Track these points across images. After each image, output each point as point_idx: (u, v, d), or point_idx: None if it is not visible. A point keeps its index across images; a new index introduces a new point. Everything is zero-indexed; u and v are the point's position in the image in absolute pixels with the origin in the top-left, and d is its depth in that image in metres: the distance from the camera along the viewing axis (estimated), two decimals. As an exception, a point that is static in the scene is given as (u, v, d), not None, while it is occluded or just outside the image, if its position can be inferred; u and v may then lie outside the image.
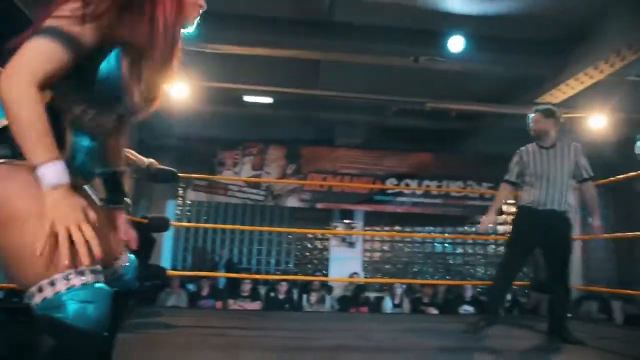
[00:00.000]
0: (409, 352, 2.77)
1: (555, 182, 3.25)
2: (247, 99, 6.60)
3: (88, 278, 1.00)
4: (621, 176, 4.37)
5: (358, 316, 5.30)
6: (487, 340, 3.22)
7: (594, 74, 5.06)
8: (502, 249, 9.08)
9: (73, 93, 1.12)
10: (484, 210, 8.44)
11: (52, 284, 0.97)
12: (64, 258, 0.97)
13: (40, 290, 0.97)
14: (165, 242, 8.84)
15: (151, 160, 3.98)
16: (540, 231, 3.26)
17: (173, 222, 8.40)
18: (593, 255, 8.77)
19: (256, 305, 6.63)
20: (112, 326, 1.32)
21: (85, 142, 1.19)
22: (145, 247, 4.26)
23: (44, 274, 0.97)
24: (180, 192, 8.97)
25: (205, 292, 6.83)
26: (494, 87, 6.19)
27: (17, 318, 6.17)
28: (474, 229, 9.23)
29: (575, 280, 7.75)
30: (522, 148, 3.47)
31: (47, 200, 0.98)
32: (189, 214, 9.29)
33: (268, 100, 6.63)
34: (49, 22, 1.03)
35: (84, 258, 0.99)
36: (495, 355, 2.73)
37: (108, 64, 1.11)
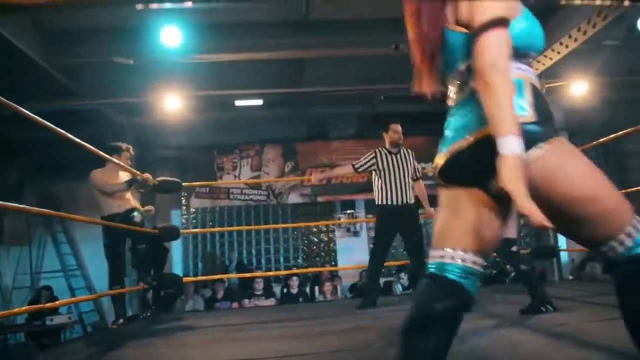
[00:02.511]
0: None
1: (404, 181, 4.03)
2: (238, 103, 6.77)
3: None
4: (612, 135, 4.46)
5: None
6: (493, 306, 3.42)
7: (569, 42, 5.23)
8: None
9: None
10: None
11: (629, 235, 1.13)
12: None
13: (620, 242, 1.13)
14: (175, 251, 8.99)
15: (146, 174, 4.21)
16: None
17: (191, 230, 8.62)
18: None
19: (271, 302, 6.81)
20: None
21: None
22: (160, 257, 4.44)
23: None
24: (183, 200, 9.13)
25: (220, 295, 7.01)
26: (476, 65, 6.34)
27: (41, 341, 6.33)
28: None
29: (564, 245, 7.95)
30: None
31: (507, 164, 1.05)
32: (194, 221, 9.45)
33: (258, 102, 6.79)
34: (490, 11, 1.14)
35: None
36: (499, 320, 2.91)
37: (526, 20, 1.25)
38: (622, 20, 5.81)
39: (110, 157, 3.85)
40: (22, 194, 8.19)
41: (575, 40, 5.19)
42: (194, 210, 9.32)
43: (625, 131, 4.40)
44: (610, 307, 3.09)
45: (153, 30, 4.79)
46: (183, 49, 4.88)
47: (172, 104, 5.85)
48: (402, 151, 4.10)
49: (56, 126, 3.65)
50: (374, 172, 4.18)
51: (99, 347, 2.90)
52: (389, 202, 4.01)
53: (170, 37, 4.77)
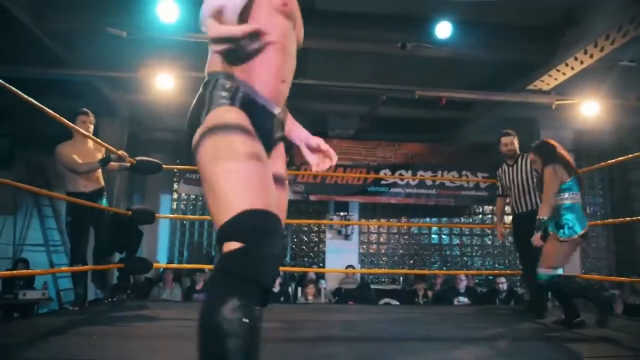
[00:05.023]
0: (391, 342, 2.72)
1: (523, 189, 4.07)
2: (235, 89, 6.53)
3: None
4: (612, 160, 4.32)
5: (349, 308, 5.25)
6: (476, 330, 3.18)
7: (584, 58, 4.97)
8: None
9: None
10: (479, 200, 8.46)
11: None
12: None
13: None
14: (161, 237, 8.83)
15: (121, 151, 4.00)
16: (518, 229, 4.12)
17: (167, 215, 8.40)
18: (592, 244, 8.68)
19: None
20: None
21: None
22: (131, 240, 4.22)
23: None
24: (175, 186, 8.95)
25: (199, 286, 6.79)
26: (484, 74, 6.10)
27: (12, 315, 6.15)
28: (470, 220, 9.18)
29: (574, 269, 7.69)
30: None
31: None
32: (183, 208, 9.27)
33: (256, 90, 6.55)
34: None
35: None
36: (477, 344, 2.68)
37: None
38: (642, 41, 5.56)
39: (74, 126, 3.59)
40: (12, 163, 7.99)
41: (591, 56, 4.94)
42: (185, 197, 9.13)
43: (628, 156, 4.24)
44: (605, 341, 2.87)
45: (149, 3, 4.55)
46: (179, 26, 4.64)
47: (166, 82, 5.61)
48: (519, 161, 4.16)
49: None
50: None
51: (41, 329, 2.68)
52: (514, 211, 4.19)
53: (167, 11, 4.53)
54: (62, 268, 3.72)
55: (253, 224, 1.08)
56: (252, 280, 1.07)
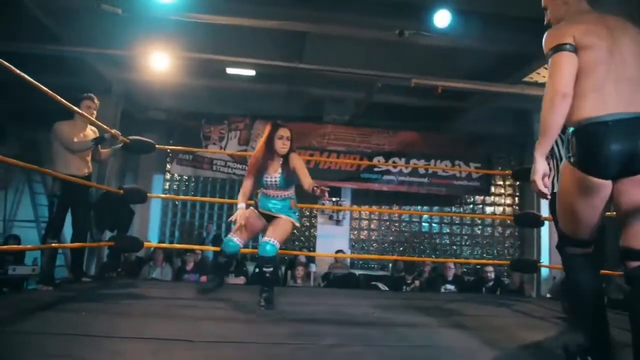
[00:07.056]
0: (376, 325, 2.75)
1: None
2: (230, 71, 6.48)
3: None
4: None
5: (337, 291, 5.30)
6: (462, 318, 3.23)
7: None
8: (489, 229, 9.12)
9: None
10: (470, 190, 8.50)
11: None
12: None
13: None
14: (153, 217, 8.83)
15: (114, 130, 3.99)
16: None
17: (159, 195, 8.40)
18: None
19: (240, 281, 6.63)
20: None
21: None
22: (123, 219, 4.24)
23: None
24: (168, 166, 8.93)
25: (189, 266, 6.82)
26: (481, 64, 6.09)
27: (2, 289, 6.15)
28: (461, 209, 9.24)
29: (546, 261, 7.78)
30: None
31: None
32: (176, 188, 9.26)
33: (251, 72, 6.50)
34: None
35: None
36: (462, 331, 2.72)
37: None
38: None
39: (78, 109, 3.60)
40: (4, 139, 7.93)
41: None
42: (177, 177, 9.12)
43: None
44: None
45: (145, -20, 4.50)
46: (176, 5, 4.59)
47: (161, 62, 5.56)
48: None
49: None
50: None
51: (30, 304, 2.70)
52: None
53: (164, -11, 4.49)
54: (53, 244, 3.68)
55: None
56: None
